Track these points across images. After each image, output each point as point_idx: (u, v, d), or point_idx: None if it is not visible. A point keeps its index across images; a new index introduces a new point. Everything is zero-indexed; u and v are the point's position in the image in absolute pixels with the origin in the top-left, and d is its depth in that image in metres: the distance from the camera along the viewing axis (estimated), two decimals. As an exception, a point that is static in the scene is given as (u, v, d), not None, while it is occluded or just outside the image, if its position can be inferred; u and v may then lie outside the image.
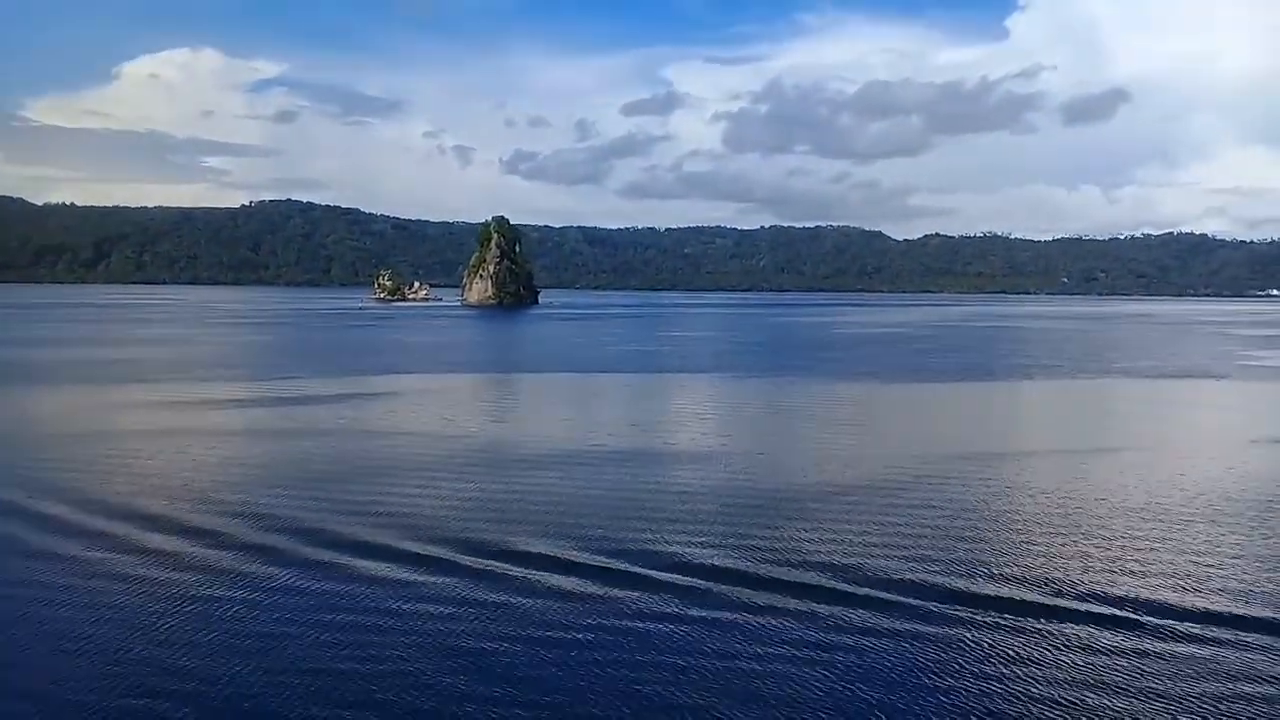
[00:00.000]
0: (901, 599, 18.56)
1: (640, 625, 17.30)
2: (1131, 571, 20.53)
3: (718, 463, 33.27)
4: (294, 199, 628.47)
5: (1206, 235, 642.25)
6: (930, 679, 15.09)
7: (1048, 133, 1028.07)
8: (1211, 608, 18.22)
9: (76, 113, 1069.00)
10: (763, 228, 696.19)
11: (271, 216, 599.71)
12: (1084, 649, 16.26)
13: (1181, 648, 16.33)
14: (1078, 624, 17.36)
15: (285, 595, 18.79)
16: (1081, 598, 18.75)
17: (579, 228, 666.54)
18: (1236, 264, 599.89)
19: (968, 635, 16.85)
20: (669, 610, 18.03)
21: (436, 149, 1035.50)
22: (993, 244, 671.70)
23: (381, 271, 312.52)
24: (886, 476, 30.50)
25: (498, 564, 20.69)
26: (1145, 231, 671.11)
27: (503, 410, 50.24)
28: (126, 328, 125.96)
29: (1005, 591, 19.08)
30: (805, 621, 17.44)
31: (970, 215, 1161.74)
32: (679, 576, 19.89)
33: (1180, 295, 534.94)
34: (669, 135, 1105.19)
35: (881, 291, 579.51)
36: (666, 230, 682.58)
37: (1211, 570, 20.62)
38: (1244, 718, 13.93)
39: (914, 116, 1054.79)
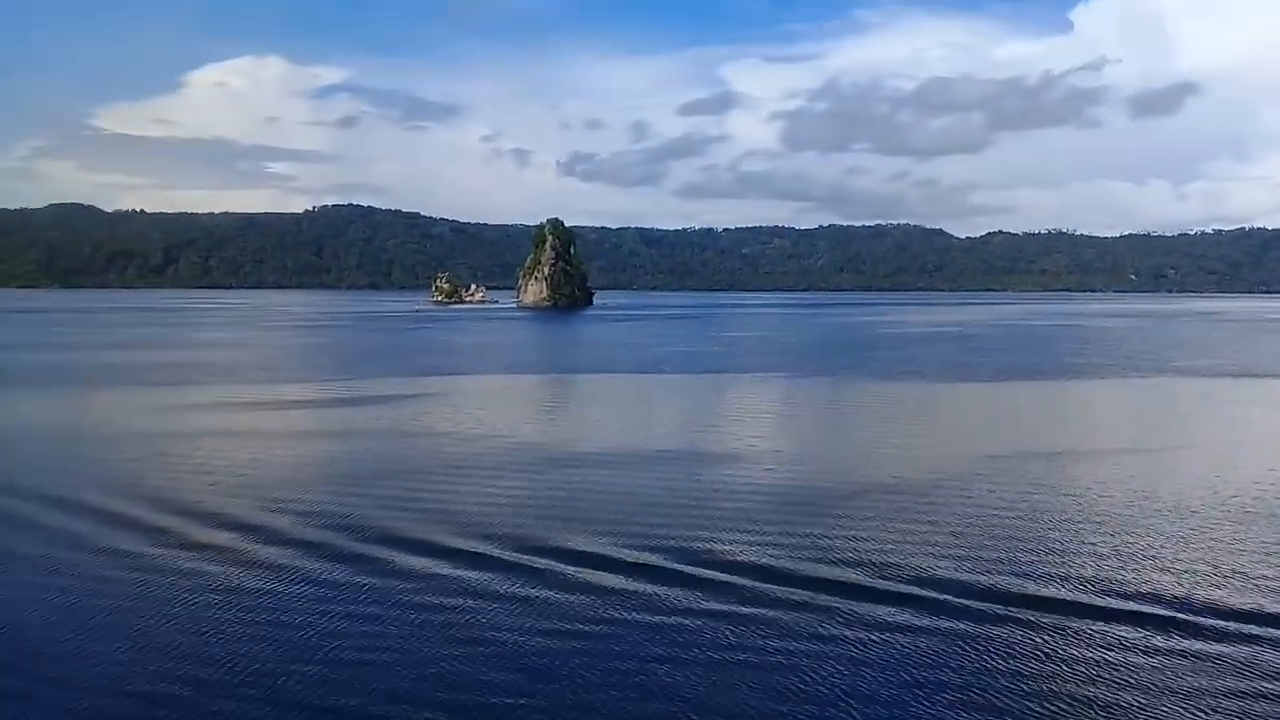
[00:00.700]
0: (943, 597, 18.46)
1: (683, 622, 17.32)
2: (1173, 570, 20.25)
3: (755, 462, 33.51)
4: (356, 204, 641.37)
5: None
6: (971, 678, 14.96)
7: (1113, 127, 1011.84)
8: (1258, 608, 17.91)
9: (145, 121, 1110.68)
10: (821, 227, 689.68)
11: (334, 221, 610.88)
12: (1131, 649, 16.05)
13: (1224, 648, 16.04)
14: (1125, 624, 17.09)
15: (330, 589, 19.10)
16: (1126, 597, 18.51)
17: (636, 229, 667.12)
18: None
19: (1012, 634, 16.71)
20: (712, 608, 18.02)
21: (494, 152, 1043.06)
22: (1058, 241, 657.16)
23: (439, 274, 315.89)
24: (926, 477, 30.36)
25: (543, 560, 20.88)
26: (1216, 227, 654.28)
27: (548, 411, 50.93)
28: (188, 331, 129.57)
29: (1049, 591, 18.89)
30: (847, 620, 17.39)
31: (1033, 212, 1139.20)
32: (721, 574, 19.91)
33: (1252, 292, 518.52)
34: (726, 135, 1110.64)
35: (943, 290, 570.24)
36: (724, 231, 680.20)
37: (1261, 569, 20.25)
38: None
39: (975, 113, 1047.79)
